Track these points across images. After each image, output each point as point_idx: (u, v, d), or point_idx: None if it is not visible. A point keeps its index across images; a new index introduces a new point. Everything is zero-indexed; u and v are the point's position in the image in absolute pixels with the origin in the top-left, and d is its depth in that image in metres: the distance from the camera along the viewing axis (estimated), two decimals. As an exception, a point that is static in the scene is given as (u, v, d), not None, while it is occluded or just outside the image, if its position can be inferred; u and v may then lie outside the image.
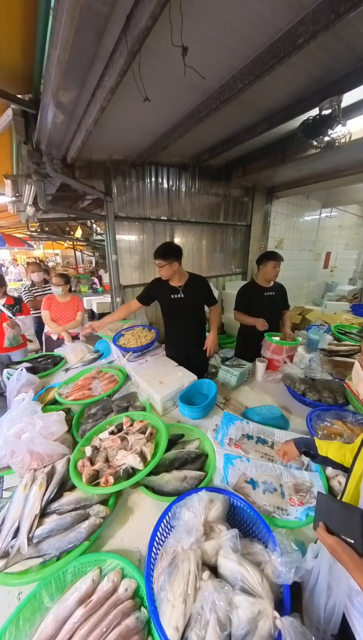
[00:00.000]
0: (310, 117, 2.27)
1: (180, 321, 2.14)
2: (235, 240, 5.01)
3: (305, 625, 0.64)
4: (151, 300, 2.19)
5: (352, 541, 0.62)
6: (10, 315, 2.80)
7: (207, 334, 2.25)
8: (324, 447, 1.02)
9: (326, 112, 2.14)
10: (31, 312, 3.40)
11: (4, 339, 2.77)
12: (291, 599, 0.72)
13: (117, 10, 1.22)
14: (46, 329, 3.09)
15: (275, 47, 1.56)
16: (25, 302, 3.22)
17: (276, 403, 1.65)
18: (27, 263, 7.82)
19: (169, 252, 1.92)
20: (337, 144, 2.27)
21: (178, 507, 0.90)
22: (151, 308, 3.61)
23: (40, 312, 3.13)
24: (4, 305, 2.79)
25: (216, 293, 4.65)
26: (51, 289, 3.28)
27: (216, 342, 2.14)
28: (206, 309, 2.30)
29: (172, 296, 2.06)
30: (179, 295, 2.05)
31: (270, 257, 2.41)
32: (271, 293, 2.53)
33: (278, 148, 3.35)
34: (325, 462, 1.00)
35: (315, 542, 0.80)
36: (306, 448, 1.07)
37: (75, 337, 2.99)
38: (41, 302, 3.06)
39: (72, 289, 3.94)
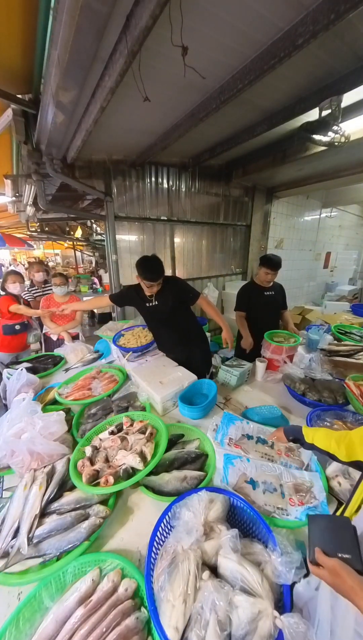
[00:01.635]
0: (309, 121, 2.27)
1: (165, 326, 2.08)
2: (235, 241, 5.01)
3: None
4: (123, 303, 2.22)
5: (349, 556, 0.57)
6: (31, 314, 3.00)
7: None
8: (310, 435, 1.05)
9: (326, 112, 2.14)
10: None
11: (26, 336, 2.97)
12: (291, 599, 0.72)
13: (117, 10, 1.22)
14: (45, 329, 3.09)
15: (275, 47, 1.56)
16: None
17: (276, 403, 1.65)
18: (29, 263, 7.82)
19: (162, 268, 1.84)
20: (336, 143, 2.28)
21: (178, 507, 0.91)
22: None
23: None
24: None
25: (215, 293, 4.64)
26: (50, 289, 3.28)
27: (230, 334, 2.02)
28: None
29: (147, 304, 2.00)
30: (153, 303, 1.99)
31: (264, 263, 2.43)
32: (270, 293, 2.55)
33: (278, 148, 3.35)
34: (312, 448, 1.04)
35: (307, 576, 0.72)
36: (294, 436, 1.12)
37: (75, 337, 2.99)
38: (40, 303, 3.07)
39: (72, 289, 3.95)
